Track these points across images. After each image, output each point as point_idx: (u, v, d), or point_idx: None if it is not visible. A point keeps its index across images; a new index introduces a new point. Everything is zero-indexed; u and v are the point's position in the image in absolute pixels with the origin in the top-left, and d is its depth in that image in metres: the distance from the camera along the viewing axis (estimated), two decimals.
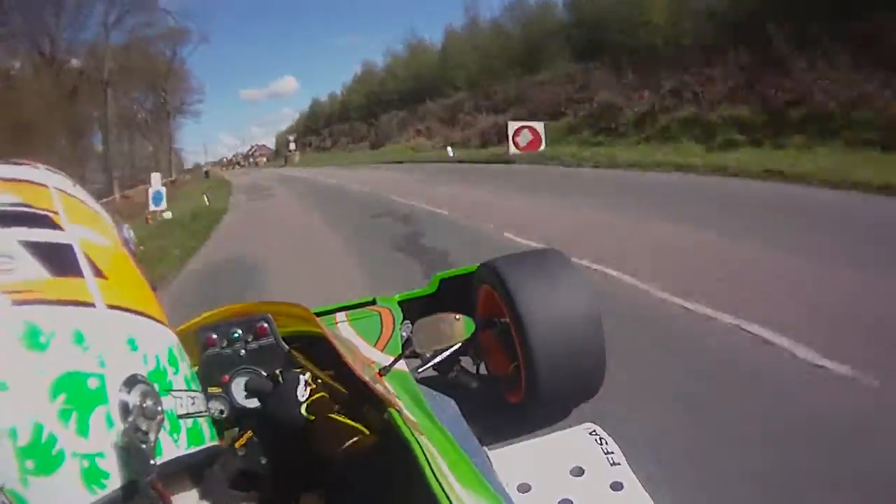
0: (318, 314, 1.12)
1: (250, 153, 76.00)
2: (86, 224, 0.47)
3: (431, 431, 0.77)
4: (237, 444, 0.78)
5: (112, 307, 0.43)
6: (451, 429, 0.82)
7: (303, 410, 0.76)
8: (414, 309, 1.56)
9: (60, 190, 0.48)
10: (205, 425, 0.50)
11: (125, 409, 0.40)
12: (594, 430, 0.88)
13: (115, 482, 0.38)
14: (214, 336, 0.80)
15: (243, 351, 0.80)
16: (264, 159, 63.13)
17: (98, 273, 0.43)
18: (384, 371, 0.97)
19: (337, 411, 0.81)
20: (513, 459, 0.86)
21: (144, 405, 0.41)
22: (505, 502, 0.66)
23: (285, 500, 0.75)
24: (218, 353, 0.79)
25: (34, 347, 0.37)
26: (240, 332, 0.80)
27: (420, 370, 1.38)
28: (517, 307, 1.55)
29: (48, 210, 0.45)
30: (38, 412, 0.36)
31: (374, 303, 1.61)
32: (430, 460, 0.63)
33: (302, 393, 0.77)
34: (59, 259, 0.42)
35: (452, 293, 1.81)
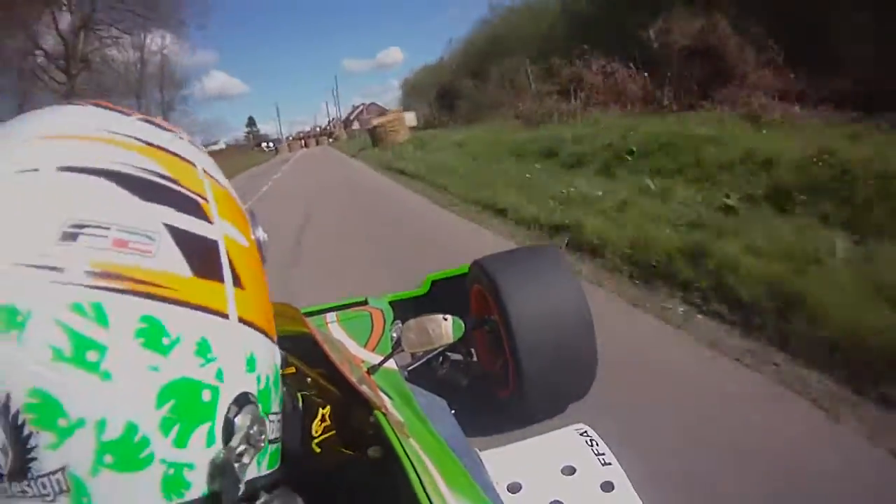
0: (309, 314, 1.12)
1: (353, 117, 54.66)
2: (230, 219, 0.42)
3: (420, 431, 0.77)
4: None
5: (242, 321, 0.39)
6: (440, 428, 0.82)
7: (313, 445, 0.76)
8: (406, 309, 1.56)
9: (208, 173, 0.43)
10: (279, 447, 0.48)
11: (229, 429, 0.37)
12: (585, 431, 0.88)
13: (195, 494, 0.36)
14: None
15: None
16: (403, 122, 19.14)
17: (237, 280, 0.40)
18: (373, 370, 0.97)
19: (328, 414, 0.81)
20: (504, 459, 0.86)
21: (251, 430, 0.38)
22: (493, 503, 0.66)
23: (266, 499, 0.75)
24: None
25: (154, 347, 0.34)
26: None
27: (410, 367, 1.38)
28: (504, 304, 1.56)
29: (199, 195, 0.40)
30: (139, 414, 0.33)
31: (365, 303, 1.60)
32: (415, 462, 0.63)
33: (316, 429, 0.76)
34: (204, 256, 0.38)
35: (446, 293, 1.81)
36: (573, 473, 0.81)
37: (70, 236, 0.32)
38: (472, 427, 0.98)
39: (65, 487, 0.32)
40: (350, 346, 1.20)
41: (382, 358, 1.01)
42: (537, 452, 0.89)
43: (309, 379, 0.82)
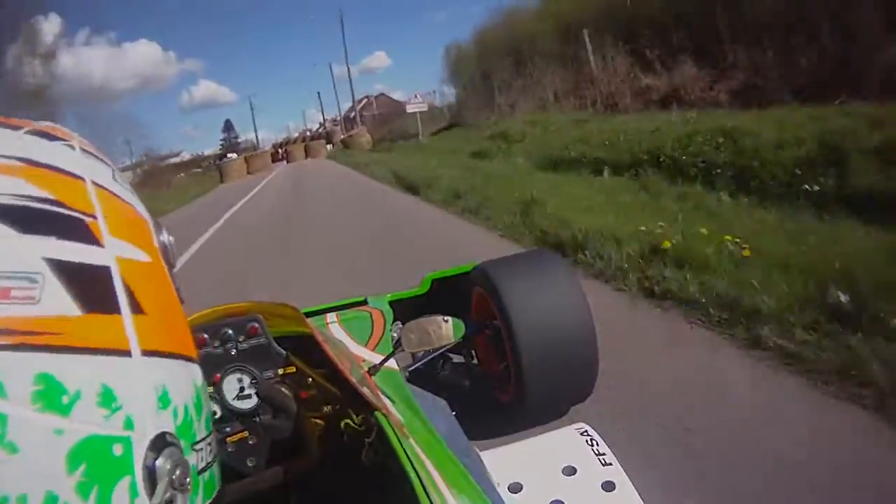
0: (309, 314, 1.12)
1: (355, 113, 37.91)
2: (125, 235, 0.38)
3: (420, 432, 0.78)
4: (229, 440, 0.78)
5: (147, 353, 0.36)
6: (441, 428, 0.82)
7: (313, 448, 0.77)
8: (406, 309, 1.56)
9: (99, 185, 0.39)
10: (216, 470, 0.46)
11: (151, 477, 0.34)
12: (585, 431, 0.88)
13: None
14: (206, 336, 0.80)
15: (234, 351, 0.80)
16: None
17: (136, 307, 0.36)
18: (373, 370, 0.97)
19: (328, 412, 0.82)
20: (504, 459, 0.86)
21: (174, 475, 0.36)
22: (492, 503, 0.66)
23: (266, 499, 0.75)
24: (209, 354, 0.80)
25: (54, 408, 0.30)
26: (231, 332, 0.80)
27: (411, 368, 1.38)
28: (506, 309, 1.56)
29: (85, 213, 0.36)
30: (54, 483, 0.30)
31: (365, 303, 1.61)
32: (415, 463, 0.63)
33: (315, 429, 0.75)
34: (94, 288, 0.34)
35: (446, 293, 1.81)
36: (574, 473, 0.80)
37: None
38: (473, 429, 0.98)
39: None
40: (351, 346, 1.20)
41: (383, 358, 1.01)
42: (538, 452, 0.89)
43: (310, 379, 0.82)
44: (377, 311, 1.45)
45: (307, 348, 0.83)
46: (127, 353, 0.35)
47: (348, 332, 1.26)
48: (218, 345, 0.80)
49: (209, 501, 0.42)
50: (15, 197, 0.33)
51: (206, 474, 0.42)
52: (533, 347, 1.53)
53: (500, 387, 1.71)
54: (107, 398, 0.33)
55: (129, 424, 0.34)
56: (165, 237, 0.45)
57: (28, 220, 0.33)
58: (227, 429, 0.79)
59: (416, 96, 16.63)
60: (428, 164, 9.58)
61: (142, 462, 0.34)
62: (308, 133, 42.69)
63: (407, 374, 1.26)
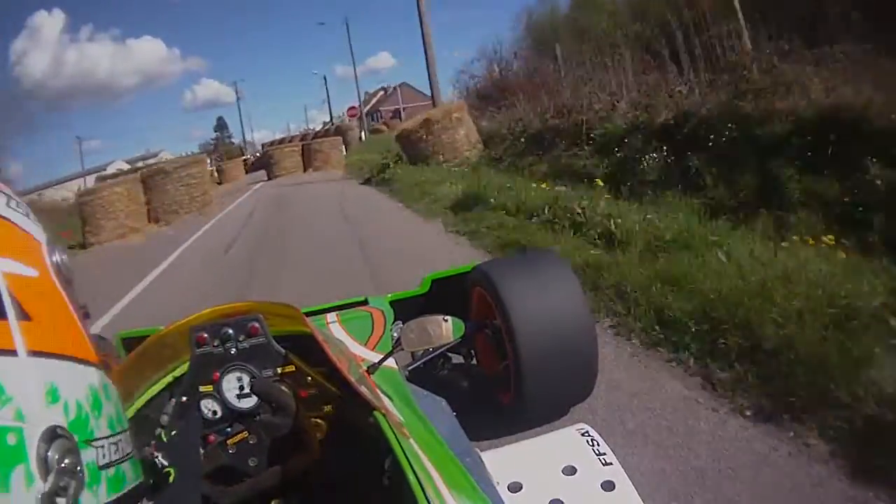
0: (309, 314, 1.12)
1: (370, 106, 30.55)
2: (12, 253, 0.43)
3: (419, 431, 0.77)
4: (230, 442, 0.78)
5: (34, 353, 0.40)
6: (441, 428, 0.82)
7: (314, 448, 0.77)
8: (406, 309, 1.56)
9: None
10: (128, 468, 0.48)
11: (44, 466, 0.38)
12: (586, 431, 0.88)
13: None
14: (206, 335, 0.80)
15: (234, 350, 0.80)
16: None
17: (22, 314, 0.40)
18: (372, 369, 0.97)
19: (328, 411, 0.82)
20: (504, 459, 0.86)
21: (64, 463, 0.39)
22: (491, 502, 0.66)
23: (267, 499, 0.75)
24: (209, 352, 0.80)
25: None
26: (231, 331, 0.80)
27: (410, 367, 1.38)
28: (506, 309, 1.55)
29: None
30: None
31: (365, 303, 1.61)
32: (414, 462, 0.63)
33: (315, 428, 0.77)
34: None
35: (446, 294, 1.81)
36: (574, 473, 0.80)
37: None
38: (473, 429, 0.98)
39: None
40: (351, 345, 1.20)
41: (381, 357, 1.01)
42: (538, 452, 0.88)
43: (309, 378, 0.82)
44: (377, 311, 1.45)
45: (307, 348, 0.83)
46: (13, 353, 0.38)
47: (348, 332, 1.26)
48: (218, 344, 0.80)
49: (116, 495, 0.45)
50: None
51: (111, 470, 0.45)
52: (532, 347, 1.53)
53: (500, 386, 1.71)
54: None
55: (19, 416, 0.37)
56: (58, 257, 0.49)
57: None
58: (228, 429, 0.79)
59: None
60: None
61: (35, 451, 0.37)
62: (311, 131, 31.39)
63: (407, 373, 1.27)
